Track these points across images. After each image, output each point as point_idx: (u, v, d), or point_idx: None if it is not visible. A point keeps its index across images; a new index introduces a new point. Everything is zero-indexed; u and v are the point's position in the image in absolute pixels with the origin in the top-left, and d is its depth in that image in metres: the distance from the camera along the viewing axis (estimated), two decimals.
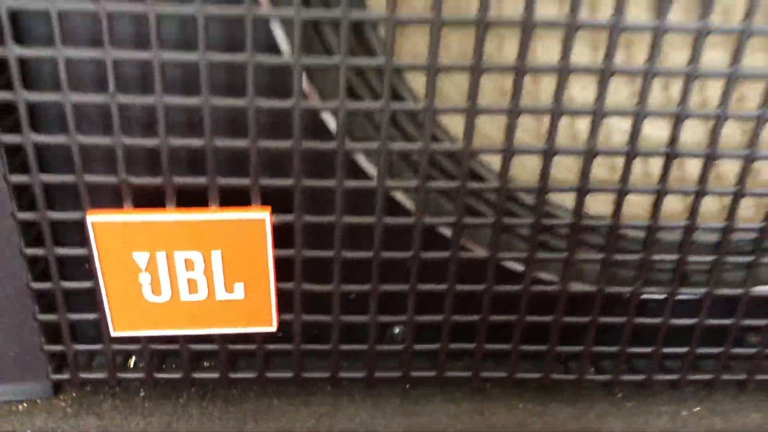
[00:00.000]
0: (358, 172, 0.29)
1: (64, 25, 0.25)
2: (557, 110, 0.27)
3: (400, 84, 0.28)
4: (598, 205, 0.31)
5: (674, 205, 0.31)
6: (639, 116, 0.27)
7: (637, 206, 0.31)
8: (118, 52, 0.25)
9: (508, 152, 0.28)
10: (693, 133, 0.30)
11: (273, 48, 0.26)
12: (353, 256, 0.29)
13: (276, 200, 0.28)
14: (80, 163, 0.27)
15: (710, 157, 0.28)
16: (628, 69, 0.27)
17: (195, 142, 0.27)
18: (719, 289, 0.32)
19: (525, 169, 0.30)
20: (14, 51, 0.25)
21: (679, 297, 0.32)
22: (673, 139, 0.28)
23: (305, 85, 0.27)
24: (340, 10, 0.25)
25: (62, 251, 0.29)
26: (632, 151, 0.28)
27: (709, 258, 0.31)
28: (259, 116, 0.27)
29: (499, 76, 0.29)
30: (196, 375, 0.33)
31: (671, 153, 0.28)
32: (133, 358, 0.34)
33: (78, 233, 0.29)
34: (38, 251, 0.29)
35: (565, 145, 0.28)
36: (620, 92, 0.30)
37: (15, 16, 0.25)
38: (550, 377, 0.34)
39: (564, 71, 0.26)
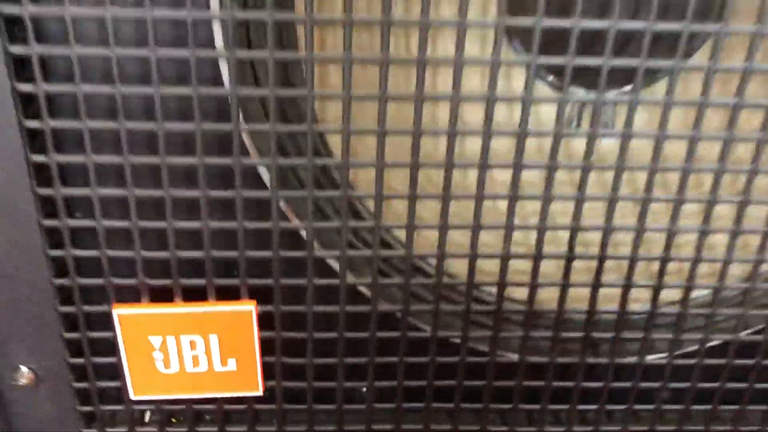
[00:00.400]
0: (327, 269, 0.37)
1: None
2: (477, 228, 0.35)
3: (359, 206, 0.36)
4: (522, 290, 0.38)
5: (582, 292, 0.39)
6: (541, 231, 0.35)
7: (552, 290, 0.38)
8: (140, 192, 0.33)
9: (441, 257, 0.35)
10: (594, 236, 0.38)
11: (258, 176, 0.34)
12: (322, 336, 0.37)
13: (261, 292, 0.36)
14: (108, 269, 0.35)
15: (602, 259, 0.36)
16: (532, 194, 0.34)
17: (197, 254, 0.35)
18: (620, 358, 0.39)
19: (460, 266, 0.38)
20: (55, 158, 0.33)
21: (590, 363, 0.39)
22: (571, 247, 0.35)
23: (284, 208, 0.35)
24: (307, 159, 0.32)
25: (94, 335, 0.37)
26: (539, 255, 0.36)
27: (608, 335, 0.38)
28: (247, 233, 0.34)
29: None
30: (199, 429, 0.40)
31: (570, 256, 0.36)
32: (149, 414, 0.41)
33: (105, 319, 0.36)
34: (75, 335, 0.37)
35: (488, 249, 0.36)
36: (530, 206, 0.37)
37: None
38: (488, 429, 0.41)
39: (480, 199, 0.34)
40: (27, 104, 0.32)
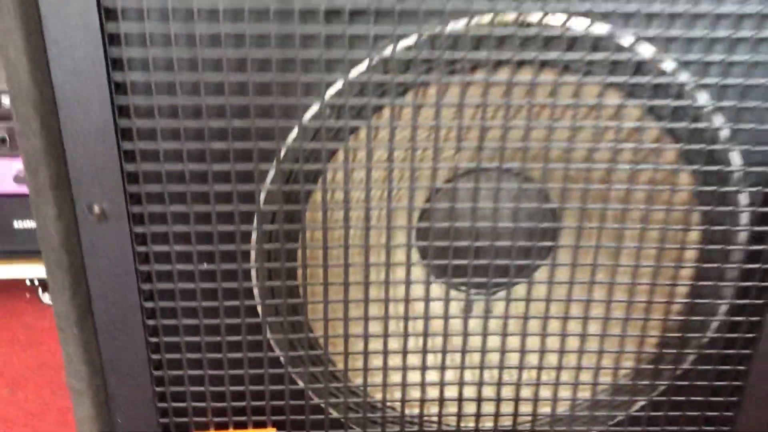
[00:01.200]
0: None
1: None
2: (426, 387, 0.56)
3: (342, 377, 0.57)
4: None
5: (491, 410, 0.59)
6: (461, 386, 0.56)
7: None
8: (214, 372, 0.55)
9: (402, 419, 0.57)
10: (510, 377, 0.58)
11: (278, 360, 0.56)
12: None
13: (280, 424, 0.58)
14: (192, 412, 0.57)
15: (499, 400, 0.57)
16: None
17: (242, 404, 0.56)
18: None
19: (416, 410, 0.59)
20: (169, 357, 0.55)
21: None
22: (479, 396, 0.56)
23: (294, 376, 0.56)
24: (308, 359, 0.54)
25: None
26: (461, 399, 0.57)
27: None
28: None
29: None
30: None
31: (480, 398, 0.57)
32: None
33: None
34: None
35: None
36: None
37: None
38: None
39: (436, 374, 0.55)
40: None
